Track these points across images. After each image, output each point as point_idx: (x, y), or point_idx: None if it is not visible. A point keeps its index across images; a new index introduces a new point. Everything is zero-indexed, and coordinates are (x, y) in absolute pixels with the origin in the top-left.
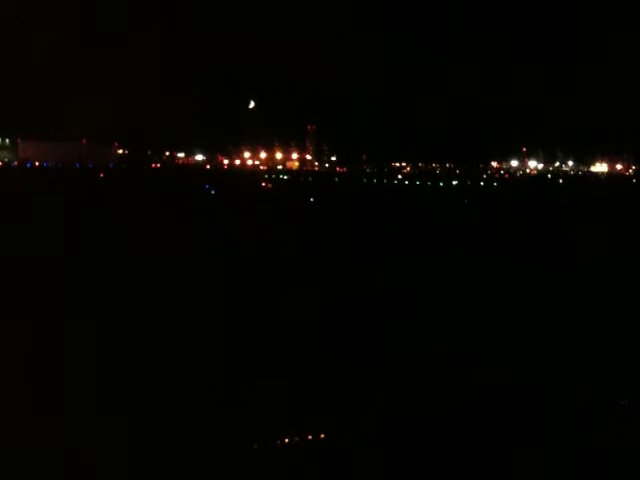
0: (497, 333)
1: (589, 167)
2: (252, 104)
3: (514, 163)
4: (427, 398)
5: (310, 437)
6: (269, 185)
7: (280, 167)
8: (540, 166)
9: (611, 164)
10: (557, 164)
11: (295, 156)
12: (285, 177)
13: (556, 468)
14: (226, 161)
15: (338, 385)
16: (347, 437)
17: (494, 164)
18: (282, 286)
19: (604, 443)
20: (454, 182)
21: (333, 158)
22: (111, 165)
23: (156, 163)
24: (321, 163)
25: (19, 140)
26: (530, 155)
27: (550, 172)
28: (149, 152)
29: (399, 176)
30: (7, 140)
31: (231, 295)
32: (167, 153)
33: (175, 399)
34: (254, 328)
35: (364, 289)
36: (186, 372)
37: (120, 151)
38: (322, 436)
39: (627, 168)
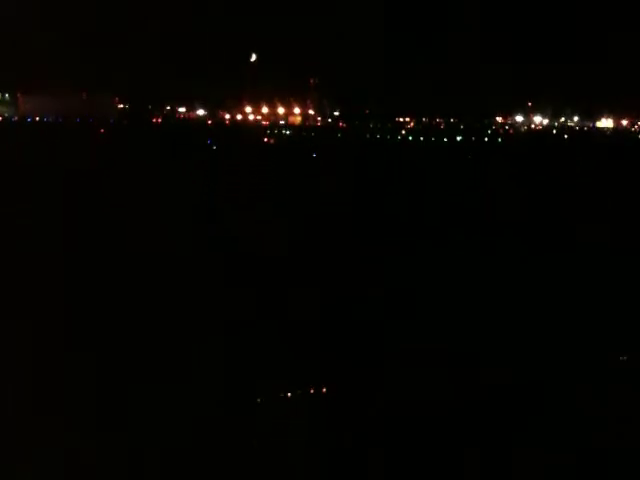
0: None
1: (594, 122)
2: (253, 57)
3: (519, 118)
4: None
5: (312, 390)
6: (271, 140)
7: (282, 122)
8: (545, 121)
9: (617, 119)
10: (562, 119)
11: (297, 111)
12: (287, 132)
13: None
14: (227, 116)
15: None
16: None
17: (499, 119)
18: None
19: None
20: (458, 138)
21: (336, 113)
22: (111, 120)
23: (157, 118)
24: (324, 118)
25: (19, 94)
26: (535, 110)
27: (555, 127)
28: (150, 107)
29: (402, 132)
30: (7, 95)
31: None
32: (168, 108)
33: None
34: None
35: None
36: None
37: (120, 105)
38: (324, 390)
39: (633, 123)
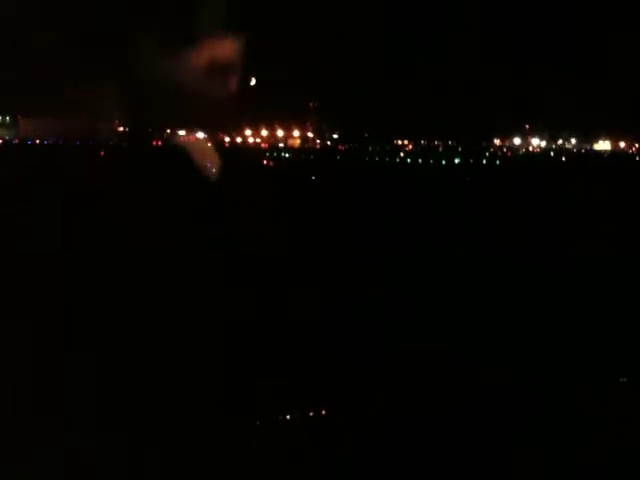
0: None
1: (592, 145)
2: (253, 81)
3: (517, 141)
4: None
5: (312, 413)
6: (271, 163)
7: (282, 145)
8: (543, 144)
9: (614, 142)
10: (560, 142)
11: (297, 134)
12: (287, 155)
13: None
14: (227, 139)
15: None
16: (349, 414)
17: (497, 141)
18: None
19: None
20: (456, 160)
21: (335, 136)
22: (112, 143)
23: (157, 141)
24: (323, 141)
25: (20, 117)
26: (533, 133)
27: (553, 150)
28: (150, 130)
29: (401, 154)
30: (7, 118)
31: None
32: (168, 131)
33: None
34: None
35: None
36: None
37: (120, 129)
38: (323, 412)
39: (630, 146)
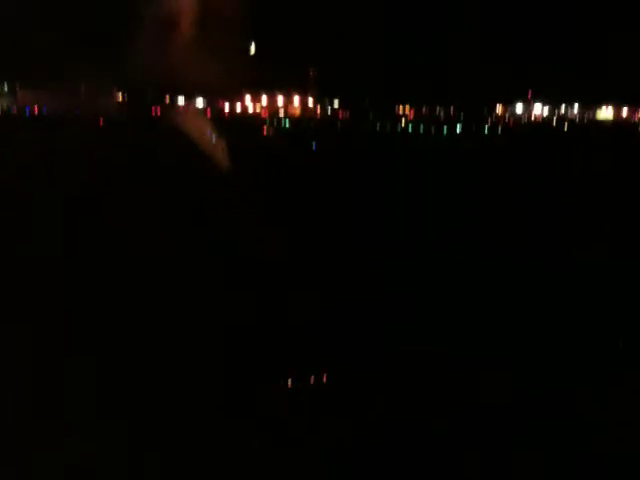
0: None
1: (595, 113)
2: (252, 48)
3: (519, 108)
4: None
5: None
6: (271, 131)
7: (281, 113)
8: (545, 111)
9: (616, 110)
10: (562, 110)
11: (297, 102)
12: (287, 124)
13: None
14: (227, 108)
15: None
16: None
17: (499, 108)
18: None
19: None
20: (458, 128)
21: (335, 105)
22: (110, 111)
23: (156, 108)
24: (323, 109)
25: (18, 86)
26: (535, 100)
27: (555, 118)
28: (149, 97)
29: (402, 122)
30: (5, 86)
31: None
32: (167, 98)
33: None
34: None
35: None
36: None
37: (119, 95)
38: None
39: (633, 114)
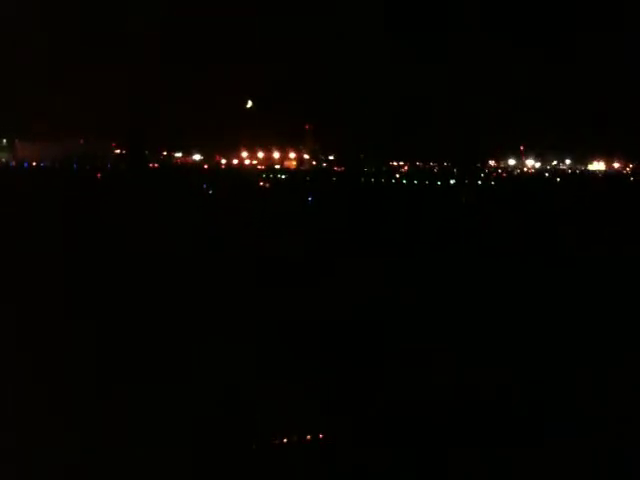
0: (498, 331)
1: (586, 165)
2: (249, 103)
3: (511, 162)
4: (428, 397)
5: (309, 437)
6: (267, 184)
7: (278, 166)
8: (538, 165)
9: (608, 162)
10: (554, 163)
11: (293, 155)
12: (283, 176)
13: (556, 468)
14: (224, 161)
15: (338, 384)
16: (347, 437)
17: (492, 163)
18: (282, 285)
19: (604, 444)
20: (452, 181)
21: (331, 157)
22: (109, 165)
23: (154, 163)
24: (319, 162)
25: (17, 141)
26: (528, 154)
27: (547, 170)
28: (147, 152)
29: (397, 175)
30: (4, 141)
31: (229, 292)
32: (165, 153)
33: (175, 398)
34: (253, 328)
35: (365, 288)
36: (186, 368)
37: (117, 151)
38: (321, 436)
39: (624, 166)
